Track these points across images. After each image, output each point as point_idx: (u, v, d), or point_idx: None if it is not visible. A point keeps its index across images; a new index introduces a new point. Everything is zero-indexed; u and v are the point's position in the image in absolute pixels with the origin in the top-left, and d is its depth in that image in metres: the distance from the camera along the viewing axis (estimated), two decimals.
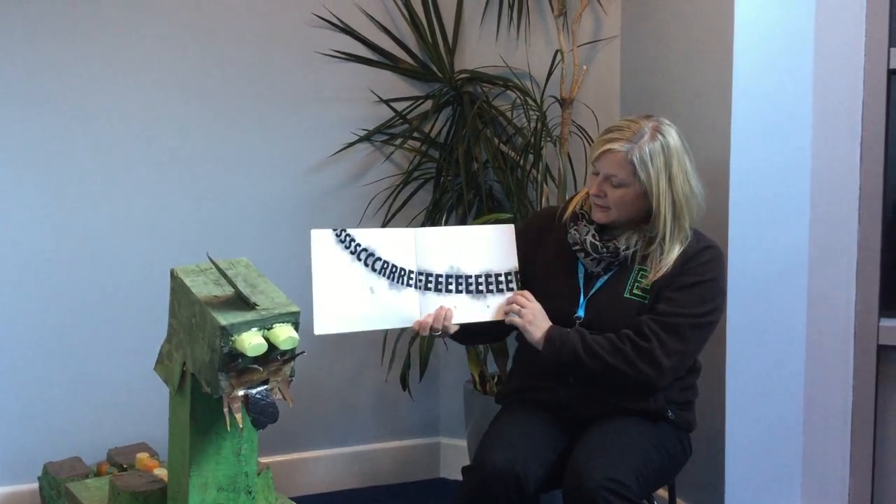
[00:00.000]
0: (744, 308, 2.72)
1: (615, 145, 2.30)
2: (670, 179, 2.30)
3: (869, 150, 2.73)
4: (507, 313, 2.36)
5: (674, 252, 2.33)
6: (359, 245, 2.35)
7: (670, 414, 2.37)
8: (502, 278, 2.41)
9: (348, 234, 2.34)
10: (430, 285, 2.38)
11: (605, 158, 2.32)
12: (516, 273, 2.41)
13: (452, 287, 2.39)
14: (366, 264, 2.34)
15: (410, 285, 2.36)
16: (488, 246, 2.42)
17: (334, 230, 2.34)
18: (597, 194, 2.35)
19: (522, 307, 2.34)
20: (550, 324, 2.33)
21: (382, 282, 2.34)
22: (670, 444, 2.36)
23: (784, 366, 2.80)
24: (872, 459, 2.80)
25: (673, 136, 2.33)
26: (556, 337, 2.30)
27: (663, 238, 2.32)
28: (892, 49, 2.70)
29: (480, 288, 2.39)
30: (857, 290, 2.76)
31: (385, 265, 2.35)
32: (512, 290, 2.40)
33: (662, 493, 2.67)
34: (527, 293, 2.37)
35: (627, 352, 2.26)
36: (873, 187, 2.73)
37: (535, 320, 2.33)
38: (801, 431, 2.84)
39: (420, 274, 2.38)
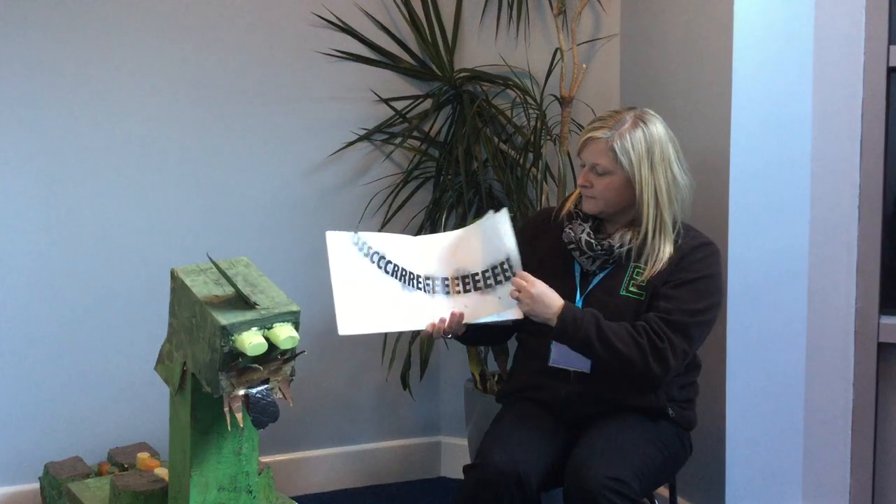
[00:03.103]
0: (744, 306, 2.72)
1: (596, 133, 2.34)
2: (652, 167, 2.33)
3: (869, 147, 2.73)
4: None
5: (666, 249, 2.34)
6: (370, 248, 2.34)
7: (671, 412, 2.38)
8: (507, 265, 2.39)
9: (361, 237, 2.34)
10: (437, 288, 2.38)
11: (588, 147, 2.36)
12: (511, 259, 2.38)
13: (460, 287, 2.38)
14: (378, 266, 2.34)
15: (420, 289, 2.36)
16: (488, 239, 2.41)
17: (349, 232, 2.33)
18: (583, 184, 2.37)
19: (520, 291, 2.30)
20: (561, 302, 2.29)
21: (396, 284, 2.35)
22: (671, 442, 2.37)
23: (784, 364, 2.80)
24: (873, 457, 2.80)
25: (656, 126, 2.35)
26: (570, 320, 2.27)
27: (647, 229, 2.33)
28: (891, 46, 2.70)
29: (489, 282, 2.39)
30: (857, 287, 2.76)
31: (396, 268, 2.35)
32: (513, 274, 2.36)
33: (663, 491, 2.67)
34: (525, 274, 2.32)
35: (644, 346, 2.26)
36: (873, 184, 2.73)
37: (536, 303, 2.29)
38: (802, 429, 2.84)
39: (427, 279, 2.37)
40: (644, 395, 2.35)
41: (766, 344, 2.77)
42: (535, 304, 2.29)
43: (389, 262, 2.35)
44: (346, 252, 2.32)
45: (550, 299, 2.29)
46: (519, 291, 2.30)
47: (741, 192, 2.70)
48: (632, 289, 2.35)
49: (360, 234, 2.35)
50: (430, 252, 2.40)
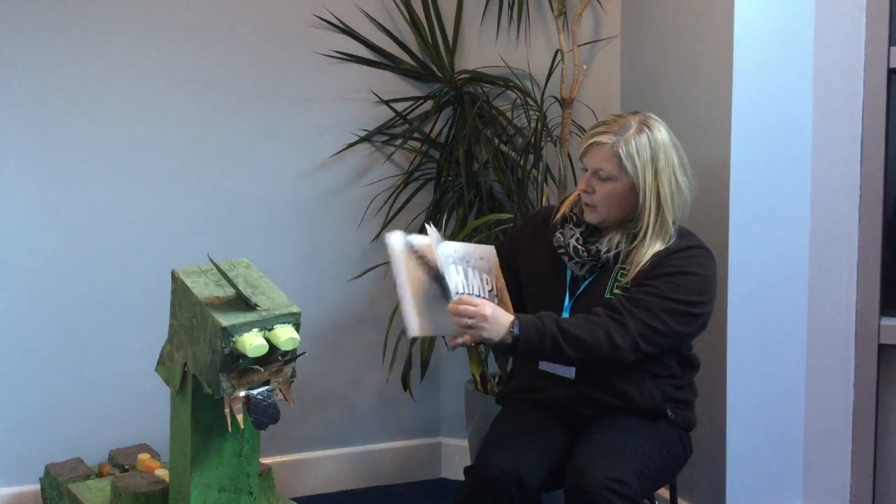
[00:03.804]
0: (745, 307, 2.72)
1: (601, 138, 2.30)
2: (656, 173, 2.30)
3: (869, 149, 2.73)
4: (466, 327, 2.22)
5: (653, 248, 2.30)
6: (421, 250, 2.29)
7: (670, 413, 2.37)
8: (501, 292, 2.38)
9: (409, 240, 2.29)
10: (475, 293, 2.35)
11: (592, 152, 2.32)
12: (504, 289, 2.39)
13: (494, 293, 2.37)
14: (433, 270, 2.28)
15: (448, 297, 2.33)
16: (485, 261, 2.41)
17: (403, 233, 2.28)
18: (585, 190, 2.34)
19: (471, 317, 2.19)
20: (509, 318, 2.22)
21: (436, 288, 2.29)
22: (671, 443, 2.36)
23: (785, 365, 2.80)
24: (874, 458, 2.80)
25: (661, 131, 2.32)
26: (532, 332, 2.21)
27: (645, 233, 2.31)
28: (892, 48, 2.70)
29: (489, 297, 2.38)
30: (857, 289, 2.76)
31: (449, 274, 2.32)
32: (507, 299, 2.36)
33: (664, 492, 2.67)
34: (468, 298, 2.23)
35: (602, 322, 2.22)
36: (874, 186, 2.73)
37: (492, 325, 2.20)
38: (803, 430, 2.84)
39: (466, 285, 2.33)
40: (644, 396, 2.35)
41: (767, 345, 2.77)
42: (490, 326, 2.20)
43: (430, 268, 2.30)
44: (403, 254, 2.25)
45: (504, 316, 2.23)
46: (471, 318, 2.19)
47: (742, 194, 2.70)
48: (616, 291, 2.33)
49: (409, 236, 2.30)
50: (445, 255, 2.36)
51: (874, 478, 2.80)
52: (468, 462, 3.00)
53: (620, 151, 2.28)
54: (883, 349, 2.77)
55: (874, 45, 2.70)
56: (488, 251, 2.45)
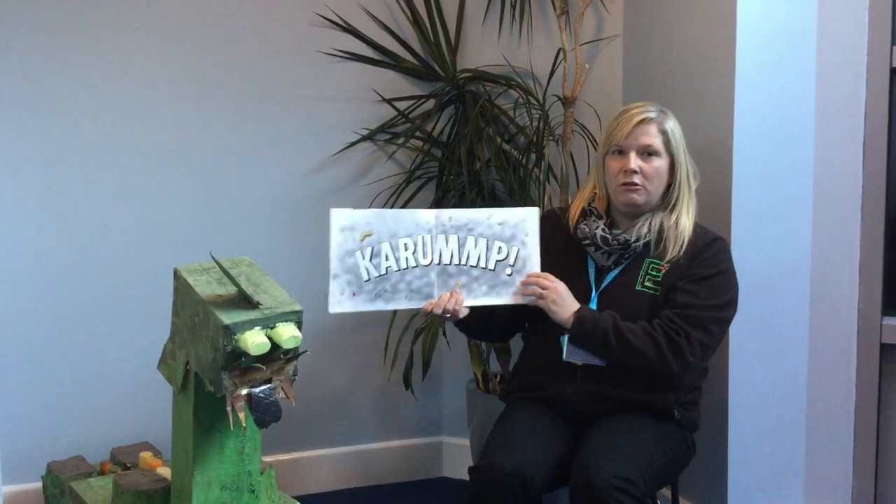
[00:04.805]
0: (747, 307, 2.71)
1: (650, 114, 2.36)
2: (685, 153, 2.40)
3: (871, 148, 2.73)
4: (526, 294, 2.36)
5: (688, 227, 2.37)
6: (372, 226, 2.34)
7: (676, 414, 2.37)
8: (521, 260, 2.37)
9: (363, 214, 2.34)
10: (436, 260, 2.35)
11: (640, 129, 2.36)
12: (530, 257, 2.37)
13: (465, 266, 2.36)
14: (380, 246, 2.32)
15: (416, 266, 2.33)
16: (508, 227, 2.38)
17: (351, 210, 2.35)
18: (633, 170, 2.35)
19: (545, 288, 2.34)
20: (578, 304, 2.34)
21: (396, 263, 2.33)
22: (675, 443, 2.37)
23: (787, 365, 2.80)
24: (875, 458, 2.80)
25: (675, 120, 2.42)
26: (588, 318, 2.31)
27: (678, 203, 2.38)
28: (894, 47, 2.70)
29: (496, 268, 2.37)
30: (859, 288, 2.76)
31: (404, 246, 2.34)
32: (531, 268, 2.38)
33: (665, 492, 2.67)
34: (548, 275, 2.36)
35: (659, 340, 2.27)
36: (876, 185, 2.73)
37: (560, 300, 2.33)
38: (804, 430, 2.84)
39: (426, 260, 2.34)
40: (651, 395, 2.35)
41: (769, 345, 2.77)
42: (552, 306, 2.33)
43: (391, 240, 2.32)
44: (346, 230, 2.30)
45: (569, 301, 2.34)
46: (545, 289, 2.33)
47: (744, 193, 2.70)
48: (647, 284, 2.36)
49: (363, 211, 2.34)
50: (447, 225, 2.36)
51: (876, 477, 2.80)
52: (470, 461, 3.00)
53: (667, 127, 2.37)
54: (885, 349, 2.77)
55: (876, 44, 2.70)
56: (515, 216, 2.38)
